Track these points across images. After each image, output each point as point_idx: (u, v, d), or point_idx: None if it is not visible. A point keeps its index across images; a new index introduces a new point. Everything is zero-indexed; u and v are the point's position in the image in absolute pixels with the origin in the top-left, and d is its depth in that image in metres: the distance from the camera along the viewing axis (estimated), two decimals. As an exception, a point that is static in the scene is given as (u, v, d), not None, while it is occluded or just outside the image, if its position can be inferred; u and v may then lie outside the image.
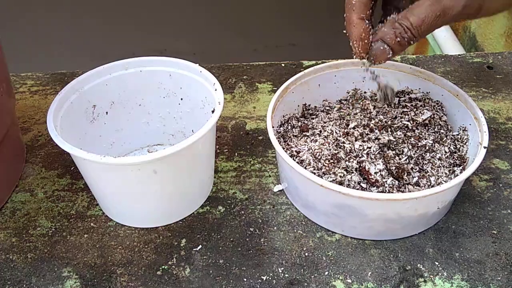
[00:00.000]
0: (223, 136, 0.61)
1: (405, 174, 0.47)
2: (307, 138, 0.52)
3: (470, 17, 0.45)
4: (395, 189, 0.46)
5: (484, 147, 0.47)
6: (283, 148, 0.51)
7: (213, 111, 0.48)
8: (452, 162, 0.50)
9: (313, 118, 0.56)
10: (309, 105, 0.58)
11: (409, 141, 0.50)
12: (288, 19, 2.06)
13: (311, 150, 0.50)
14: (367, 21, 0.46)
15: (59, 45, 2.06)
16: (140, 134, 0.58)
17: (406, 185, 0.47)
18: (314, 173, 0.48)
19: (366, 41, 0.46)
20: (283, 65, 0.72)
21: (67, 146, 0.44)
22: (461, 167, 0.50)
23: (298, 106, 0.58)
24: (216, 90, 0.50)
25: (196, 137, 0.44)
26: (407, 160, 0.48)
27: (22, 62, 2.00)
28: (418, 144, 0.50)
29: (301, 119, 0.57)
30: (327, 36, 2.06)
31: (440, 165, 0.49)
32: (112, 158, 0.43)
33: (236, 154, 0.59)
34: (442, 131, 0.53)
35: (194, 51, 2.08)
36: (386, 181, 0.47)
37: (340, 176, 0.47)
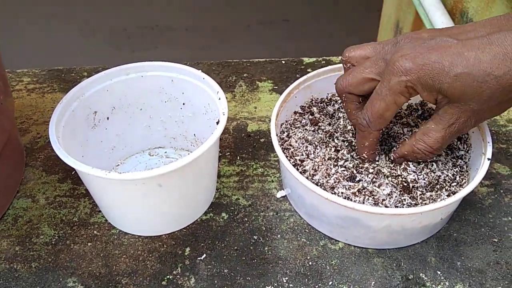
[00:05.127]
0: (224, 139, 0.61)
1: (410, 187, 0.47)
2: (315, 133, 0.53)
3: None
4: (399, 203, 0.47)
5: (488, 159, 0.47)
6: (287, 156, 0.50)
7: (217, 123, 0.48)
8: (454, 172, 0.50)
9: (321, 111, 0.56)
10: (317, 98, 0.58)
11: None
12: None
13: (314, 160, 0.50)
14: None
15: (47, 19, 2.02)
16: (141, 137, 0.58)
17: (409, 197, 0.47)
18: (318, 182, 0.48)
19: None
20: (283, 62, 0.71)
21: (71, 161, 0.43)
22: (461, 174, 0.50)
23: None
24: (220, 99, 0.49)
25: (201, 150, 0.44)
26: (410, 171, 0.48)
27: (9, 37, 1.96)
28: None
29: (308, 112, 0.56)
30: (321, 12, 2.05)
31: (443, 172, 0.50)
32: (117, 174, 0.42)
33: (238, 157, 0.59)
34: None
35: (186, 26, 2.06)
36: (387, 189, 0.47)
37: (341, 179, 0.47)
